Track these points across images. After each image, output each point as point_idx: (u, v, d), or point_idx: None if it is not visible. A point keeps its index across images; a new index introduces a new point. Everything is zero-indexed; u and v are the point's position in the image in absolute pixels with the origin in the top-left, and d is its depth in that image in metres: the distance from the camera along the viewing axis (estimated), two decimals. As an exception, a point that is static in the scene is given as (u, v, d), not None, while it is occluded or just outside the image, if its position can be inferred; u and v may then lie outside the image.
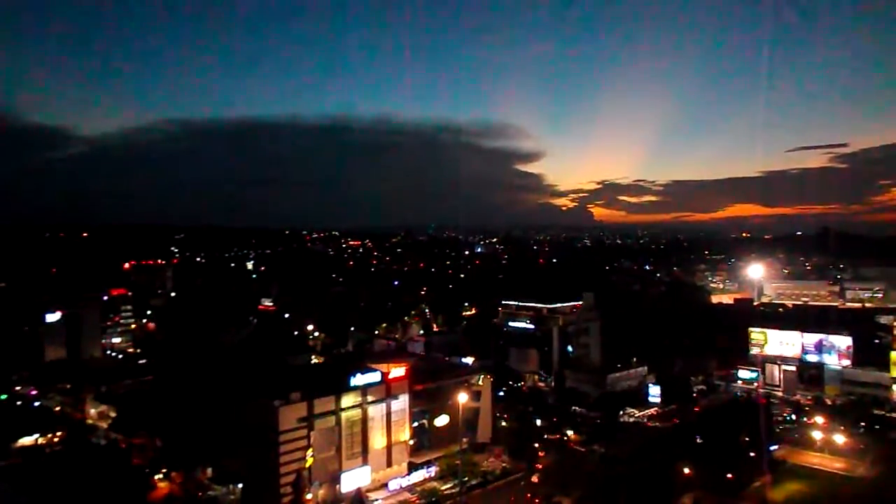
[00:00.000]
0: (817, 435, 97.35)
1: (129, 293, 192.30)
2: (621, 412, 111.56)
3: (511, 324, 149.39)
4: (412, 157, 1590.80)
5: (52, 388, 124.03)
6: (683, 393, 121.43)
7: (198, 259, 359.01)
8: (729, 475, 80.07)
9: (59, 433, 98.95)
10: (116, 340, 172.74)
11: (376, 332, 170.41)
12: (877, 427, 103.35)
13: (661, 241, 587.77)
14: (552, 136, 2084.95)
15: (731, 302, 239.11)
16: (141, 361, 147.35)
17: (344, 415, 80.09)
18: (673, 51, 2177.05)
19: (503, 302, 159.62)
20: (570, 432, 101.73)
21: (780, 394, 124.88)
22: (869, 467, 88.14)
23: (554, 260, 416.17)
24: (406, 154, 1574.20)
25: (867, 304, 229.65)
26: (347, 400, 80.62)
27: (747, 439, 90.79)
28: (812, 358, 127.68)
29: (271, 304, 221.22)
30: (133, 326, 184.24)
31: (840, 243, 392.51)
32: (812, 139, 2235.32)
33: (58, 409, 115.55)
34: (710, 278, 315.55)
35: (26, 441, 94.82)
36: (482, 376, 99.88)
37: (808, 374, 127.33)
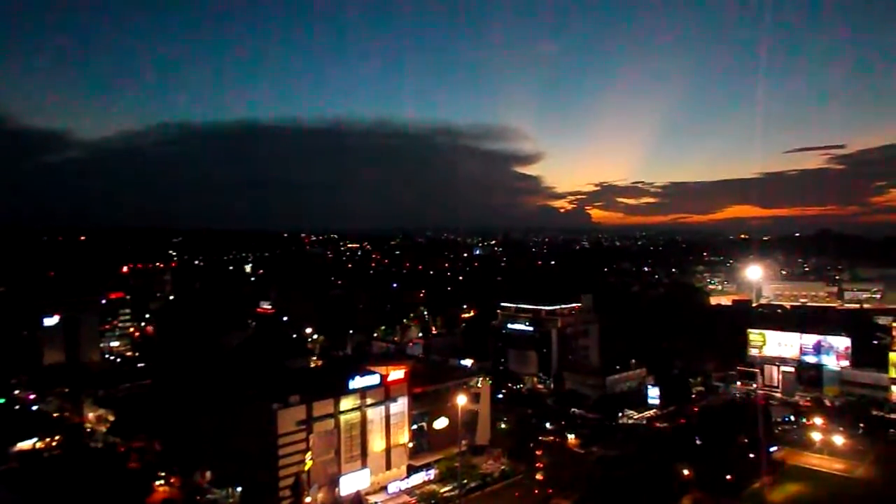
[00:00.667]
0: (816, 436, 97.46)
1: (128, 297, 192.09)
2: (620, 414, 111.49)
3: (510, 326, 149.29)
4: (411, 159, 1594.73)
5: (50, 391, 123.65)
6: (682, 394, 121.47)
7: (196, 262, 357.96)
8: (728, 476, 79.97)
9: (57, 437, 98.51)
10: (115, 344, 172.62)
11: (375, 335, 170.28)
12: (876, 428, 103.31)
13: (659, 242, 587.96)
14: (550, 138, 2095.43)
15: (729, 303, 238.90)
16: (139, 365, 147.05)
17: (343, 418, 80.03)
18: (671, 53, 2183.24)
19: (502, 304, 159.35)
20: (569, 434, 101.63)
21: (779, 395, 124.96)
22: (868, 468, 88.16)
23: (552, 262, 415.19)
24: (404, 156, 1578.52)
25: (865, 305, 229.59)
26: (346, 403, 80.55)
27: (746, 440, 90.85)
28: (811, 359, 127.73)
29: (270, 306, 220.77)
30: (131, 330, 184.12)
31: (838, 244, 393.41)
32: (810, 140, 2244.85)
33: (56, 413, 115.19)
34: (708, 280, 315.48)
35: (25, 445, 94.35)
36: (481, 378, 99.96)
37: (807, 375, 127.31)
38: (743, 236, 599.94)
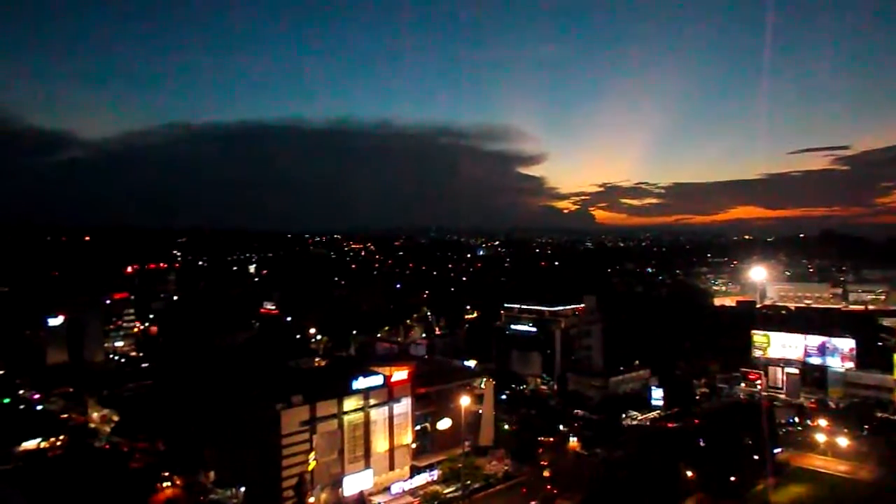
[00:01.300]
0: (821, 438, 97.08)
1: (132, 297, 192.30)
2: (624, 415, 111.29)
3: (513, 327, 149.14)
4: (414, 160, 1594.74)
5: (54, 391, 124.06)
6: (686, 396, 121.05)
7: (200, 262, 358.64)
8: (732, 478, 79.73)
9: (61, 437, 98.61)
10: (119, 344, 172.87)
11: (378, 335, 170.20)
12: (880, 430, 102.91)
13: (662, 243, 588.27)
14: (554, 138, 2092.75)
15: (733, 304, 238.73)
16: (143, 365, 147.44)
17: (346, 418, 79.99)
18: (674, 53, 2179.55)
19: (505, 305, 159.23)
20: (572, 436, 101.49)
21: (782, 396, 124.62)
22: (873, 470, 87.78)
23: (556, 263, 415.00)
24: (408, 157, 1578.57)
25: (870, 307, 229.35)
26: (350, 403, 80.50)
27: (750, 442, 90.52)
28: (815, 360, 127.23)
29: (273, 307, 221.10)
30: (135, 330, 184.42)
31: (842, 245, 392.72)
32: (814, 141, 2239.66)
33: (60, 413, 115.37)
34: (712, 281, 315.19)
35: (28, 445, 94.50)
36: (484, 379, 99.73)
37: (811, 376, 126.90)
38: (747, 237, 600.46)
